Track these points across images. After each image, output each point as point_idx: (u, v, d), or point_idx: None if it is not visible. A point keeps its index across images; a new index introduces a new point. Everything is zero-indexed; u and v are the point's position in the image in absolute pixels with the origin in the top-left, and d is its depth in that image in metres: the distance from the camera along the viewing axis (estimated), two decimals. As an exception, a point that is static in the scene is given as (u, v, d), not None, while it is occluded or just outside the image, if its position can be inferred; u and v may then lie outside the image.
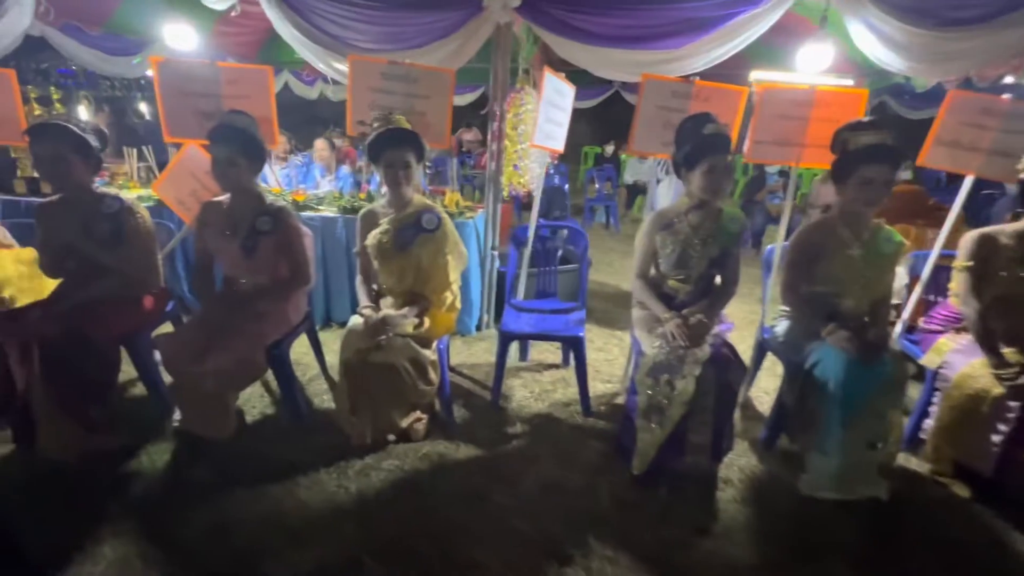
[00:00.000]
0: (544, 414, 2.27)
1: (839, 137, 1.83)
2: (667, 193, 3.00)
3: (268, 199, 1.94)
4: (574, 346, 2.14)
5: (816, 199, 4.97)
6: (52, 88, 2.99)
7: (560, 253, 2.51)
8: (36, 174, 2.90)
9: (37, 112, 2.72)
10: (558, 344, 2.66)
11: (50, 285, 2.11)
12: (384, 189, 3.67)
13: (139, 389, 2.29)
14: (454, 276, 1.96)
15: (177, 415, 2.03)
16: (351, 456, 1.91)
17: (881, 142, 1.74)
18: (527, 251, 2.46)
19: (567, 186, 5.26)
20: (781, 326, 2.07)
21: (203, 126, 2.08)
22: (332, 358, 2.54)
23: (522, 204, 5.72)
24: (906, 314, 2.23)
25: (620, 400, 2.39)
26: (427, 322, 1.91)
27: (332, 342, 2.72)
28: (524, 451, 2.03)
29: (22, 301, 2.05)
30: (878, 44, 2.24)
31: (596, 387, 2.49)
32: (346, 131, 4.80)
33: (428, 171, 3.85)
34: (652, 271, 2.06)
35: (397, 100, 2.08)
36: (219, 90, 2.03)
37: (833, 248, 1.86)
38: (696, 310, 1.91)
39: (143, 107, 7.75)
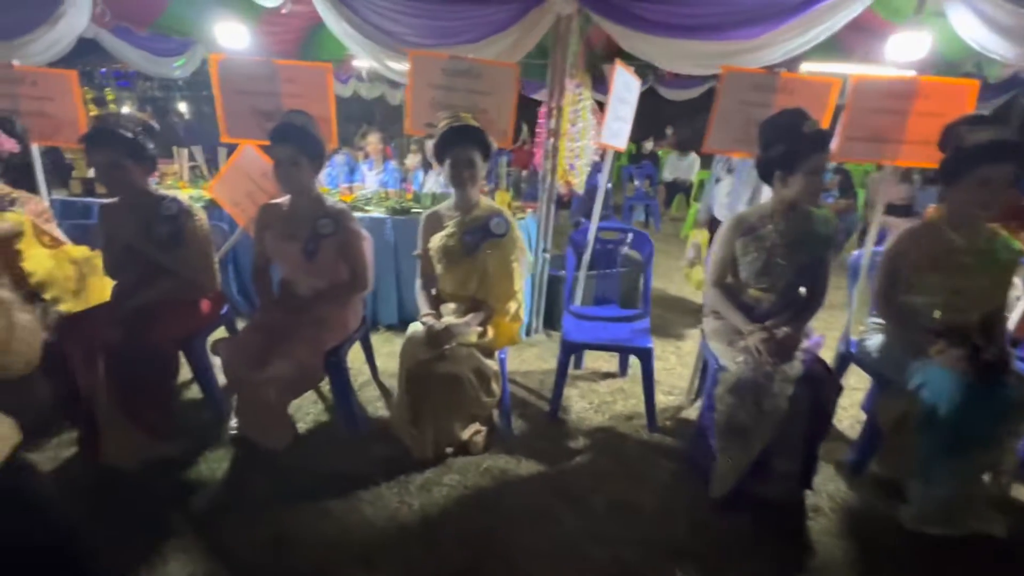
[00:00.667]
0: (606, 428, 2.15)
1: (952, 132, 1.65)
2: (727, 193, 2.83)
3: (328, 201, 1.87)
4: (642, 357, 2.02)
5: (875, 196, 4.70)
6: (107, 90, 2.99)
7: (621, 257, 2.38)
8: (91, 175, 2.92)
9: (93, 112, 2.73)
10: (614, 352, 2.53)
11: (100, 288, 2.09)
12: (427, 189, 3.64)
13: (192, 393, 2.28)
14: (519, 284, 1.85)
15: (233, 421, 2.01)
16: (411, 470, 1.84)
17: (1003, 138, 1.56)
18: (587, 255, 2.34)
19: (610, 184, 5.10)
20: (873, 340, 1.90)
21: (260, 126, 2.03)
22: (380, 362, 2.49)
23: (561, 203, 5.59)
24: (1011, 325, 2.02)
25: (687, 414, 2.26)
26: (491, 331, 1.82)
27: (379, 346, 2.66)
28: (589, 467, 1.92)
29: (67, 305, 2.04)
30: (982, 29, 2.03)
31: (657, 398, 2.35)
32: (375, 130, 4.76)
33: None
34: (729, 279, 1.91)
35: (459, 97, 1.98)
36: (277, 88, 1.97)
37: (940, 255, 1.68)
38: (781, 322, 1.76)
39: (182, 107, 7.93)
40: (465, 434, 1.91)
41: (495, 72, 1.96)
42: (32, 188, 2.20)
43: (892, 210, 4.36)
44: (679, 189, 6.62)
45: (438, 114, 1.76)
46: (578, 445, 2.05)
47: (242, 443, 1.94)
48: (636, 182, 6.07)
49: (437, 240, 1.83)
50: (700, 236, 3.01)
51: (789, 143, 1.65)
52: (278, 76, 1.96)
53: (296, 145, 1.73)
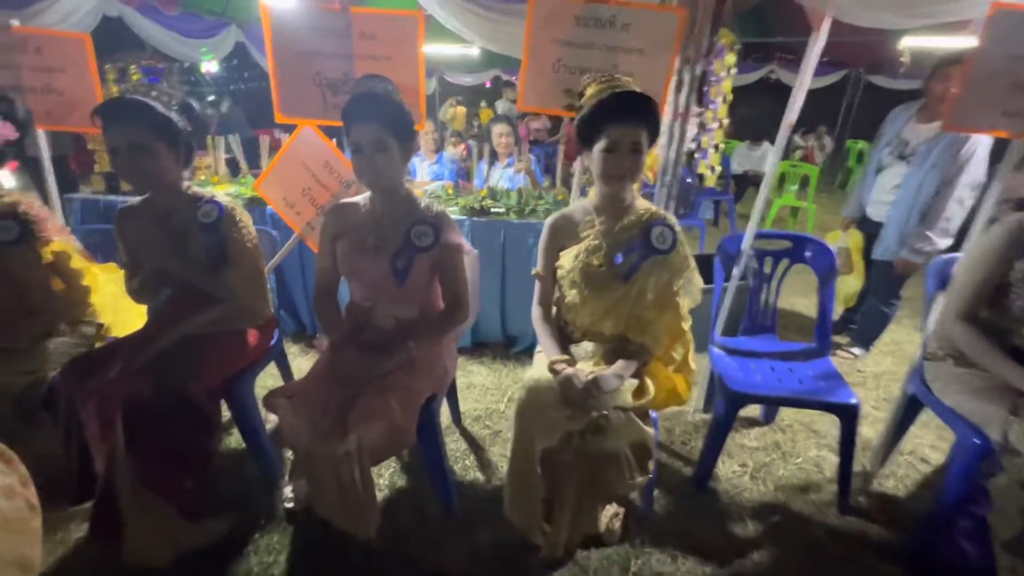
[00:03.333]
0: (775, 504, 1.61)
1: None
2: (893, 186, 2.21)
3: (422, 202, 1.36)
4: (845, 418, 1.46)
5: (1011, 191, 3.98)
6: (132, 67, 2.55)
7: (785, 273, 1.81)
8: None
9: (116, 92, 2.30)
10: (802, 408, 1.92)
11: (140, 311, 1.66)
12: (492, 183, 3.12)
13: (229, 441, 1.82)
14: (688, 319, 1.31)
15: (288, 488, 1.54)
16: (532, 572, 1.34)
17: None
18: (738, 269, 1.78)
19: (689, 178, 4.49)
20: None
21: (324, 101, 1.54)
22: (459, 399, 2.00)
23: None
24: None
25: (881, 486, 1.69)
26: (650, 385, 1.28)
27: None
28: (778, 572, 1.38)
29: (118, 329, 1.63)
30: None
31: (819, 455, 1.80)
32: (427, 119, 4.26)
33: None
34: (983, 312, 1.34)
35: (594, 57, 1.44)
36: (349, 48, 1.46)
37: None
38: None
39: (212, 98, 7.59)
40: (602, 521, 1.40)
41: (653, 21, 1.40)
42: (39, 186, 1.77)
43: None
44: (749, 183, 5.94)
45: (584, 79, 1.22)
46: (746, 532, 1.51)
47: (302, 519, 1.47)
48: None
49: (572, 257, 1.31)
50: (851, 239, 2.42)
51: None
52: (351, 30, 1.44)
53: (382, 123, 1.23)
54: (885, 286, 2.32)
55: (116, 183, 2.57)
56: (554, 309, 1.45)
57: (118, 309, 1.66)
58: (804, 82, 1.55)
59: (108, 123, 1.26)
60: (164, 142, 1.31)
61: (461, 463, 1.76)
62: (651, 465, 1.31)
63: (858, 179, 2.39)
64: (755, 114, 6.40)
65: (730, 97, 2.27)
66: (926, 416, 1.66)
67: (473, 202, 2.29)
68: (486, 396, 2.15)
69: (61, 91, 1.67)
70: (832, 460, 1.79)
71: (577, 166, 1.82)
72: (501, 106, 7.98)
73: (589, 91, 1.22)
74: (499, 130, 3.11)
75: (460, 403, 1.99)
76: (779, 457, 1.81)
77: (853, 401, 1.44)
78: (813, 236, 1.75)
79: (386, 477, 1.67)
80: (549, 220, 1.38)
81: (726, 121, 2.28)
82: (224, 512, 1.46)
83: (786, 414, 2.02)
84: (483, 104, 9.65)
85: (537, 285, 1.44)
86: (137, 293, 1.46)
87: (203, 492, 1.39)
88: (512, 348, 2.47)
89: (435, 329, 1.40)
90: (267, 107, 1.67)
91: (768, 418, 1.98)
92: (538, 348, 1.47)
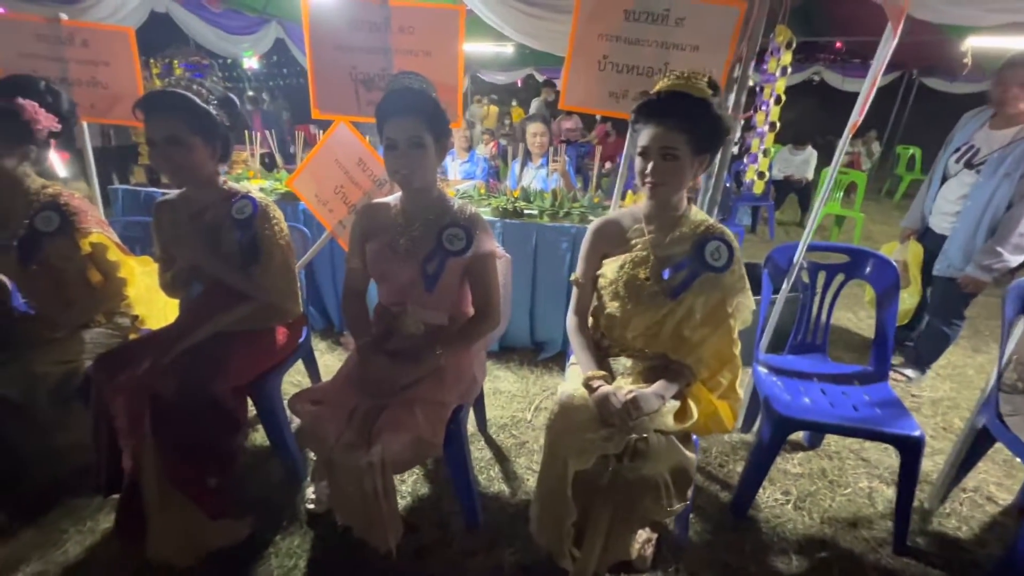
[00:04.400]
0: (822, 539, 1.49)
1: None
2: (959, 196, 2.03)
3: (455, 203, 1.31)
4: (907, 451, 1.33)
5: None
6: (175, 61, 2.59)
7: (840, 289, 1.68)
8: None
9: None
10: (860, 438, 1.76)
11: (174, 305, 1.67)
12: (525, 183, 3.06)
13: (253, 437, 1.82)
14: (737, 342, 1.22)
15: (311, 490, 1.52)
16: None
17: None
18: (786, 284, 1.66)
19: (730, 182, 4.32)
20: None
21: (360, 97, 1.50)
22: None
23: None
24: None
25: (941, 526, 1.54)
26: (693, 408, 1.19)
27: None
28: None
29: (152, 322, 1.65)
30: None
31: (859, 482, 1.67)
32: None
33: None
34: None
35: (645, 54, 1.35)
36: (387, 42, 1.42)
37: None
38: None
39: (251, 95, 7.80)
40: (634, 548, 1.32)
41: (711, 15, 1.31)
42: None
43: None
44: (791, 189, 5.69)
45: (655, 77, 1.13)
46: (789, 568, 1.40)
47: (323, 523, 1.45)
48: (746, 180, 5.24)
49: (617, 267, 1.23)
50: (909, 252, 2.25)
51: None
52: (389, 23, 1.40)
53: (419, 118, 1.18)
54: (947, 305, 2.15)
55: (157, 175, 2.62)
56: (590, 320, 1.38)
57: (152, 301, 1.67)
58: (873, 82, 1.42)
59: (147, 115, 1.25)
60: (200, 136, 1.30)
61: (486, 473, 1.70)
62: (690, 492, 1.23)
63: (906, 188, 2.21)
64: (798, 117, 6.14)
65: (784, 98, 2.13)
66: (991, 448, 1.51)
67: (505, 203, 2.22)
68: (512, 403, 2.09)
69: (105, 84, 1.69)
70: (885, 492, 1.66)
71: (621, 168, 1.73)
72: (535, 104, 7.89)
73: (657, 87, 1.13)
74: (534, 129, 3.04)
75: (486, 410, 1.94)
76: (826, 486, 1.69)
77: (917, 434, 1.31)
78: (874, 250, 1.61)
79: (409, 484, 1.63)
80: (594, 224, 1.30)
81: (778, 124, 2.13)
82: (247, 512, 1.44)
83: (832, 439, 1.89)
84: (514, 103, 9.58)
85: (574, 292, 1.36)
86: (170, 287, 1.46)
87: (227, 491, 1.38)
88: (540, 354, 2.40)
89: (465, 337, 1.35)
90: (308, 103, 1.65)
91: (813, 443, 1.86)
92: (572, 360, 1.40)
